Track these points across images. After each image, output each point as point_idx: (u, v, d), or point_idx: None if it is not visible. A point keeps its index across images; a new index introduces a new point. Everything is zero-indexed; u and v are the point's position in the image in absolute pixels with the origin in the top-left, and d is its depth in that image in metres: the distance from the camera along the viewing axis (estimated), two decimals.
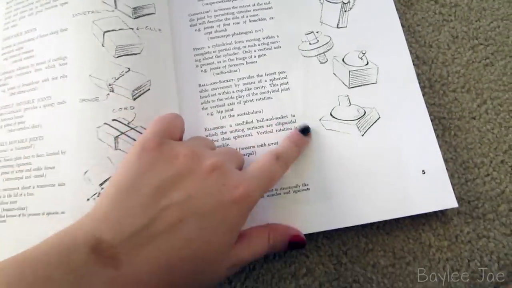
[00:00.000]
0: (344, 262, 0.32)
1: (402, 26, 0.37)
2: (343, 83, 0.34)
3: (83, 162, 0.29)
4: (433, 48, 0.38)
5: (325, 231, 0.32)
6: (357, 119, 0.33)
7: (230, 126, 0.33)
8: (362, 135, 0.33)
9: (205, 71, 0.35)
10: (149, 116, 0.31)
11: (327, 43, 0.36)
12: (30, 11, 0.35)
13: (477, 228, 0.33)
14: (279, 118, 0.34)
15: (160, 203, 0.23)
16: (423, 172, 0.32)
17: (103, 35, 0.32)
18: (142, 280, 0.22)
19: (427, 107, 0.34)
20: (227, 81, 0.35)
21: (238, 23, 0.37)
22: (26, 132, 0.32)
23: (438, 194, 0.32)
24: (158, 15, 0.35)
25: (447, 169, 0.33)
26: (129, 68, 0.32)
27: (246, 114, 0.34)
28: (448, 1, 0.39)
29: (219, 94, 0.34)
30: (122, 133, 0.30)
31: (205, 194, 0.24)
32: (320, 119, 0.33)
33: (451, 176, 0.33)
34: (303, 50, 0.36)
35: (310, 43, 0.36)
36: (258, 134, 0.33)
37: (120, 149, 0.30)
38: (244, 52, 0.36)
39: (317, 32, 0.36)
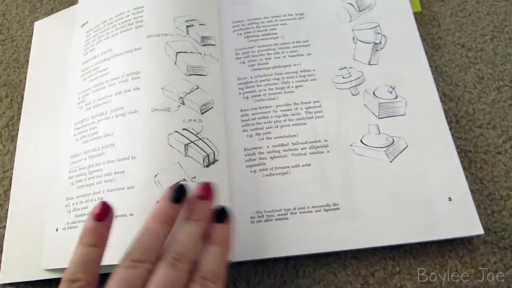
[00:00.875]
0: (371, 283, 0.33)
1: (430, 66, 0.40)
2: (373, 114, 0.37)
3: (153, 167, 0.32)
4: (460, 87, 0.40)
5: (353, 250, 0.34)
6: (385, 146, 0.36)
7: (267, 147, 0.37)
8: (391, 162, 0.35)
9: (247, 98, 0.39)
10: (214, 130, 0.35)
11: (359, 77, 0.39)
12: (107, 35, 0.40)
13: (504, 258, 0.33)
14: (313, 142, 0.37)
15: None
16: (449, 199, 0.34)
17: (176, 55, 0.37)
18: None
19: (453, 140, 0.36)
20: (266, 107, 0.38)
21: (279, 57, 0.41)
22: (99, 141, 0.35)
23: (464, 221, 0.33)
24: (217, 46, 0.40)
25: (473, 199, 0.34)
26: (198, 86, 0.36)
27: (282, 137, 0.37)
28: (474, 46, 0.42)
29: (259, 118, 0.38)
30: (192, 141, 0.33)
31: None
32: (351, 145, 0.36)
33: (477, 207, 0.35)
34: (337, 83, 0.39)
35: (343, 77, 0.39)
36: (293, 155, 0.36)
37: (189, 156, 0.33)
38: (282, 82, 0.39)
39: (350, 67, 0.39)
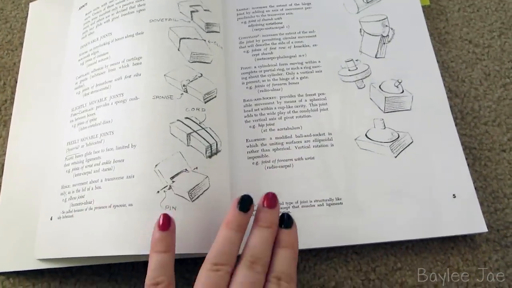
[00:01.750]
0: (372, 279, 0.33)
1: (437, 61, 0.39)
2: (379, 108, 0.37)
3: (154, 156, 0.31)
4: (466, 83, 0.40)
5: (354, 246, 0.33)
6: (391, 141, 0.35)
7: (270, 139, 0.36)
8: (395, 157, 0.35)
9: (250, 88, 0.38)
10: (216, 120, 0.34)
11: (365, 70, 0.38)
12: (107, 19, 0.39)
13: (505, 257, 0.33)
14: (317, 135, 0.36)
15: None
16: (454, 196, 0.33)
17: (179, 41, 0.36)
18: None
19: (459, 136, 0.36)
20: (270, 98, 0.37)
21: (284, 47, 0.40)
22: (97, 128, 0.34)
23: (467, 218, 0.33)
24: (221, 34, 0.39)
25: (477, 197, 0.34)
26: (201, 74, 0.35)
27: (286, 129, 0.36)
28: (482, 42, 0.42)
29: (262, 109, 0.37)
30: (194, 131, 0.32)
31: None
32: (356, 139, 0.35)
33: (481, 204, 0.34)
34: (342, 76, 0.38)
35: (349, 70, 0.38)
36: (296, 148, 0.35)
37: (192, 146, 0.32)
38: (287, 73, 0.38)
39: (356, 60, 0.39)
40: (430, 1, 0.44)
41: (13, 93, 0.42)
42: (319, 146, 0.35)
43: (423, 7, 0.42)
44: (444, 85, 0.39)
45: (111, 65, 0.36)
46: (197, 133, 0.32)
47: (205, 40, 0.37)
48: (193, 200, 0.30)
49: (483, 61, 0.41)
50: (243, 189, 0.34)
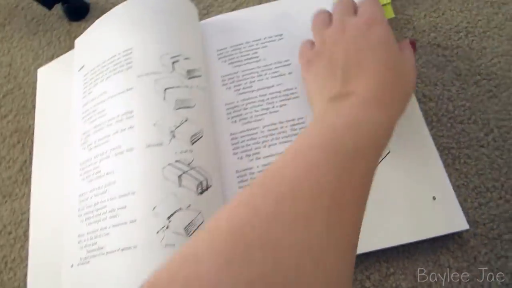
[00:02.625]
0: (368, 286, 0.35)
1: None
2: None
3: (151, 199, 0.35)
4: (438, 86, 0.42)
5: None
6: None
7: (257, 167, 0.39)
8: None
9: (235, 121, 0.41)
10: (205, 158, 0.38)
11: None
12: (102, 78, 0.43)
13: (494, 249, 0.35)
14: None
15: None
16: (434, 198, 0.35)
17: (164, 91, 0.39)
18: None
19: (435, 139, 0.38)
20: (253, 129, 0.41)
21: (262, 79, 0.43)
22: (102, 179, 0.38)
23: (449, 218, 0.34)
24: (203, 77, 0.43)
25: (459, 195, 0.36)
26: (186, 118, 0.39)
27: (271, 156, 0.39)
28: (450, 44, 0.44)
29: (247, 140, 0.40)
30: (184, 172, 0.36)
31: None
32: None
33: (464, 201, 0.36)
34: None
35: None
36: None
37: (183, 186, 0.36)
38: (267, 103, 0.42)
39: None
40: (395, 13, 0.46)
41: (30, 153, 0.47)
42: None
43: (389, 20, 0.44)
44: (417, 90, 0.41)
45: (108, 120, 0.40)
46: (187, 173, 0.36)
47: (187, 87, 0.40)
48: (189, 235, 0.34)
49: (453, 62, 0.43)
50: None
